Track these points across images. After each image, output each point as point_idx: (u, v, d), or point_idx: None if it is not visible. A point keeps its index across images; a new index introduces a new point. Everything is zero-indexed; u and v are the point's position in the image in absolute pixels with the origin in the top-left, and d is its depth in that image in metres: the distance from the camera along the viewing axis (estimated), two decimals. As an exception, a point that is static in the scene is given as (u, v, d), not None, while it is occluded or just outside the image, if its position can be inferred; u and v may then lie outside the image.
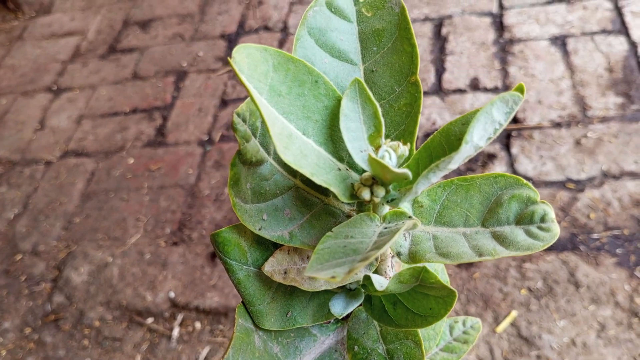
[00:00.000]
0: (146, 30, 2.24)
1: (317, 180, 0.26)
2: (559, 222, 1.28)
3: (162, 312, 1.35)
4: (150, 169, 1.69)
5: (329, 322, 0.37)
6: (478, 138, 0.26)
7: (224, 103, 1.83)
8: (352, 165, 0.30)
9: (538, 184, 1.35)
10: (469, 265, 1.25)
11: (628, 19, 1.65)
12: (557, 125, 1.46)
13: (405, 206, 0.32)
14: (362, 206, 0.32)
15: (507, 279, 1.21)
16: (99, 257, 1.50)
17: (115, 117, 1.91)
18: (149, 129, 1.82)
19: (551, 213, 0.30)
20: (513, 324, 1.15)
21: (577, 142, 1.41)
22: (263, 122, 0.27)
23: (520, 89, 0.27)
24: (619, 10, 1.68)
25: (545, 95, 1.54)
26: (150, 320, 1.34)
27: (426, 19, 1.88)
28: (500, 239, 0.30)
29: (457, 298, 1.20)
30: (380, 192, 0.28)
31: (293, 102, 0.28)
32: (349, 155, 0.30)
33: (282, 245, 0.33)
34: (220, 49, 2.04)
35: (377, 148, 0.29)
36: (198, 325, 1.31)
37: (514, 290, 1.20)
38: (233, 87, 1.87)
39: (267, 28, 2.06)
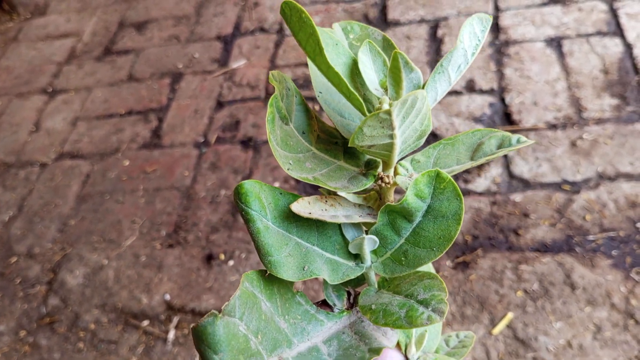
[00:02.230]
0: (142, 32, 2.24)
1: (351, 87, 0.33)
2: (554, 225, 1.28)
3: (157, 314, 1.35)
4: (145, 171, 1.69)
5: (335, 311, 0.38)
6: (467, 44, 0.34)
7: (220, 105, 1.82)
8: (367, 109, 0.36)
9: (534, 185, 1.35)
10: (465, 267, 1.25)
11: (623, 20, 1.66)
12: (553, 126, 1.47)
13: (406, 164, 0.38)
14: (370, 165, 0.37)
15: (503, 280, 1.21)
16: (94, 260, 1.49)
17: (110, 119, 1.91)
18: (144, 131, 1.82)
19: (523, 137, 0.36)
20: (509, 326, 1.15)
21: (573, 144, 1.41)
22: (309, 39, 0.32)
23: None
24: (614, 12, 1.69)
25: (540, 97, 1.54)
26: (145, 323, 1.34)
27: (422, 20, 1.88)
28: (489, 156, 0.37)
29: (454, 300, 1.20)
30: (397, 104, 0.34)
31: None
32: (364, 101, 0.36)
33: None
34: (216, 51, 2.03)
35: (386, 90, 0.36)
36: (194, 327, 1.31)
37: (510, 292, 1.20)
38: (229, 89, 1.87)
39: (263, 29, 2.06)
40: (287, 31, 2.02)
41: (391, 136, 0.32)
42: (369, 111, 0.36)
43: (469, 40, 0.34)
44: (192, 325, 0.32)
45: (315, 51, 0.31)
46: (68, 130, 1.91)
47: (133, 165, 1.72)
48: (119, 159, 1.75)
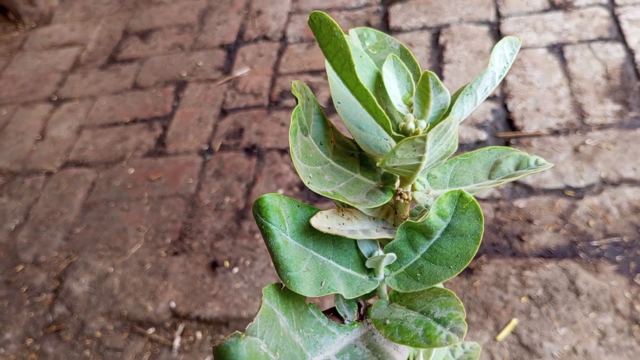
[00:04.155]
0: (146, 41, 2.26)
1: (376, 100, 0.33)
2: (558, 230, 1.28)
3: (163, 322, 1.35)
4: (150, 179, 1.70)
5: (346, 323, 0.38)
6: (497, 66, 0.34)
7: (224, 112, 1.83)
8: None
9: (537, 191, 1.36)
10: (470, 274, 1.26)
11: (625, 26, 1.66)
12: (556, 132, 1.47)
13: (423, 179, 0.39)
14: (387, 179, 0.37)
15: (508, 287, 1.22)
16: (99, 268, 1.50)
17: (115, 127, 1.92)
18: (149, 139, 1.83)
19: (542, 159, 0.36)
20: (514, 332, 1.15)
21: (576, 150, 1.42)
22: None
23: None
24: (615, 18, 1.70)
25: (543, 103, 1.54)
26: (151, 330, 1.35)
27: (424, 27, 1.89)
28: (508, 178, 0.37)
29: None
30: (423, 123, 0.34)
31: None
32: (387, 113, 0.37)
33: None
34: (220, 59, 2.05)
35: (409, 106, 0.36)
36: (199, 335, 1.31)
37: (514, 298, 1.20)
38: (232, 97, 1.88)
39: (266, 38, 2.07)
40: (290, 39, 2.04)
41: (420, 158, 0.32)
42: (392, 127, 0.37)
43: (498, 63, 0.34)
44: (214, 344, 0.33)
45: (344, 66, 0.31)
46: (73, 139, 1.92)
47: (138, 173, 1.73)
48: (123, 167, 1.76)
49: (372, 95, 0.32)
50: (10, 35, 2.54)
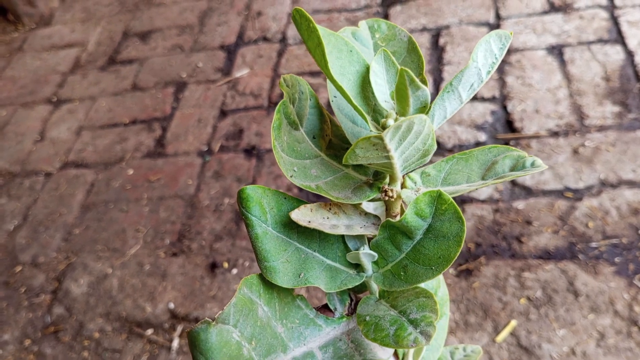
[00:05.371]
0: (146, 42, 2.26)
1: (356, 102, 0.33)
2: (557, 232, 1.28)
3: (161, 323, 1.35)
4: (149, 180, 1.69)
5: (334, 316, 0.38)
6: (481, 63, 0.33)
7: (223, 114, 1.83)
8: (375, 120, 0.36)
9: (536, 193, 1.36)
10: (468, 275, 1.26)
11: (624, 28, 1.66)
12: (555, 134, 1.47)
13: (415, 176, 0.38)
14: (377, 175, 0.37)
15: (507, 288, 1.22)
16: (98, 269, 1.50)
17: (114, 128, 1.92)
18: (148, 140, 1.83)
19: (539, 160, 0.35)
20: (513, 334, 1.15)
21: (575, 151, 1.42)
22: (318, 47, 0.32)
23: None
24: (615, 20, 1.70)
25: (542, 105, 1.55)
26: (149, 331, 1.34)
27: (424, 29, 1.89)
28: (500, 178, 0.36)
29: (457, 308, 1.20)
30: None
31: (334, 61, 0.34)
32: (373, 112, 0.36)
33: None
34: (220, 60, 2.05)
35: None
36: (198, 336, 1.31)
37: (513, 300, 1.20)
38: (232, 98, 1.88)
39: (266, 39, 2.08)
40: (290, 40, 2.04)
41: (387, 157, 0.32)
42: (377, 121, 0.36)
43: (483, 59, 0.34)
44: (187, 330, 0.33)
45: (321, 62, 0.32)
46: (72, 140, 1.92)
47: (137, 174, 1.73)
48: (123, 168, 1.76)
49: (352, 89, 0.32)
50: (10, 36, 2.55)
